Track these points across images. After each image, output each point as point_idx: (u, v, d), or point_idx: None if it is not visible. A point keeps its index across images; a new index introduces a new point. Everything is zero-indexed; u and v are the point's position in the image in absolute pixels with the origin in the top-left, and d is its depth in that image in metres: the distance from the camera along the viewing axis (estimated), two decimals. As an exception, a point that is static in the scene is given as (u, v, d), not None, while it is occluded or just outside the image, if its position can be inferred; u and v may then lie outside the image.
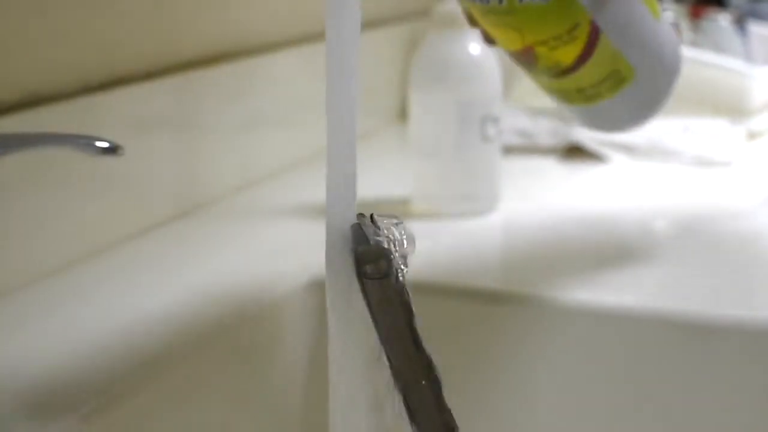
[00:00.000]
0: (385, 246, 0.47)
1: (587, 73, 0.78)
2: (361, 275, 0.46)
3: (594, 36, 0.75)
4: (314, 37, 1.06)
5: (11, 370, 0.59)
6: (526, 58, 0.77)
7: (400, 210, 0.88)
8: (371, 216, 0.47)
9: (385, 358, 0.47)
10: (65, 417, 0.53)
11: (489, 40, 0.77)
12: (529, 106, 1.24)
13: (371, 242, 0.46)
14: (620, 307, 0.71)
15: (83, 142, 0.55)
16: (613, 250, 0.82)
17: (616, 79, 0.79)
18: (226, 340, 0.66)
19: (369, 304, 0.46)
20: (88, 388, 0.56)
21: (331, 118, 0.46)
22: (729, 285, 0.75)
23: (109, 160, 0.58)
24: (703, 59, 1.19)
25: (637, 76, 0.78)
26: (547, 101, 1.25)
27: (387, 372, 0.47)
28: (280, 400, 0.71)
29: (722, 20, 1.43)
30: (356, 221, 0.47)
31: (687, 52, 1.28)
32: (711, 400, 0.69)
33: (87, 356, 0.61)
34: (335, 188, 0.47)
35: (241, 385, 0.67)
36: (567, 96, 0.82)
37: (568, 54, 0.76)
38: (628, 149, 1.10)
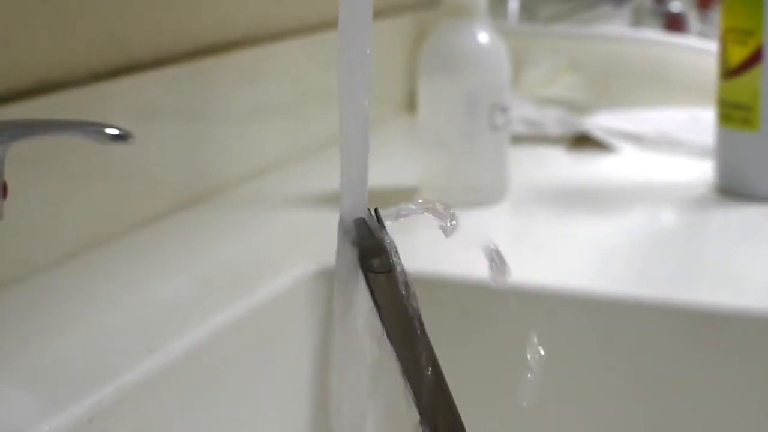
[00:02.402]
0: (389, 240, 0.47)
1: (734, 87, 0.89)
2: (366, 269, 0.46)
3: (757, 55, 0.87)
4: (324, 25, 1.06)
5: (21, 359, 0.59)
6: (723, 43, 0.89)
7: (409, 200, 0.88)
8: (376, 210, 0.48)
9: (390, 350, 0.47)
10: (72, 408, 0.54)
11: None
12: (537, 96, 1.24)
13: (376, 236, 0.47)
14: (628, 297, 0.71)
15: (93, 130, 0.55)
16: (621, 240, 0.82)
17: (745, 116, 0.88)
18: (234, 328, 0.66)
19: (374, 298, 0.47)
20: (97, 378, 0.56)
21: (344, 110, 0.46)
22: (737, 275, 0.75)
23: (118, 148, 0.58)
24: (712, 50, 1.19)
25: (762, 132, 0.88)
26: (554, 91, 1.26)
27: (392, 363, 0.47)
28: (288, 389, 0.71)
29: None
30: (364, 215, 0.47)
31: (695, 43, 1.29)
32: (717, 390, 0.69)
33: (96, 345, 0.61)
34: (348, 182, 0.47)
35: (248, 374, 0.67)
36: (720, 108, 0.91)
37: (737, 54, 0.88)
38: (636, 139, 1.10)
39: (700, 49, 1.24)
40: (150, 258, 0.76)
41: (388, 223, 0.48)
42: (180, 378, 0.61)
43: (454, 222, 0.48)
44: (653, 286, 0.73)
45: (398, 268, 0.46)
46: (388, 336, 0.46)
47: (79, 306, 0.67)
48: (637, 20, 1.71)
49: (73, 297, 0.68)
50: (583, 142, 1.12)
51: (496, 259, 0.49)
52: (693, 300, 0.69)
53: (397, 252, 0.47)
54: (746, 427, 0.69)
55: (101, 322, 0.64)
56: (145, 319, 0.65)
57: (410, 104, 1.22)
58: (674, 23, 1.65)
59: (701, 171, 0.97)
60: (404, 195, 0.89)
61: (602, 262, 0.77)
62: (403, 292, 0.46)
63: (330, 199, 0.85)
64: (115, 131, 0.54)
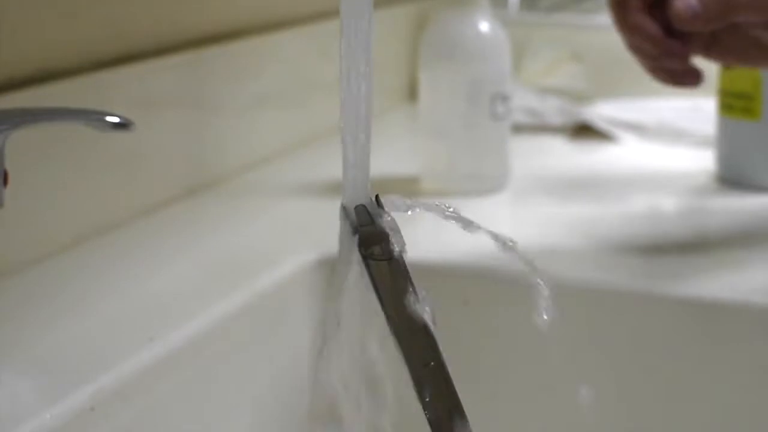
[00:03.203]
0: (390, 227, 0.47)
1: (736, 76, 0.89)
2: (367, 256, 0.47)
3: None
4: (325, 15, 1.06)
5: (22, 347, 0.59)
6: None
7: (410, 189, 0.88)
8: (377, 197, 0.48)
9: (391, 338, 0.47)
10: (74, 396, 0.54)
11: None
12: (539, 85, 1.24)
13: (377, 223, 0.47)
14: (629, 286, 0.71)
15: (94, 117, 0.55)
16: (622, 229, 0.82)
17: (746, 105, 0.88)
18: (235, 317, 0.66)
19: (375, 285, 0.47)
20: (98, 366, 0.56)
21: (345, 99, 0.46)
22: (737, 264, 0.75)
23: (119, 137, 0.58)
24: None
25: (762, 123, 0.88)
26: (555, 80, 1.26)
27: (392, 351, 0.47)
28: (288, 377, 0.71)
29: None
30: (365, 202, 0.47)
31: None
32: (716, 381, 0.69)
33: (97, 333, 0.61)
34: (349, 170, 0.47)
35: (249, 362, 0.67)
36: (721, 97, 0.90)
37: None
38: (638, 129, 1.10)
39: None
40: (151, 247, 0.76)
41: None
42: (181, 366, 0.61)
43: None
44: (653, 275, 0.73)
45: (399, 255, 0.46)
46: (389, 323, 0.46)
47: (80, 294, 0.67)
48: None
49: (74, 285, 0.68)
50: (584, 131, 1.12)
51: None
52: (693, 290, 0.69)
53: (397, 239, 0.47)
54: (744, 419, 0.69)
55: (102, 310, 0.65)
56: (146, 308, 0.65)
57: (411, 93, 1.22)
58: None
59: (702, 160, 0.97)
60: (405, 184, 0.89)
61: (603, 252, 0.77)
62: (405, 279, 0.46)
63: (332, 188, 0.85)
64: (116, 119, 0.54)
